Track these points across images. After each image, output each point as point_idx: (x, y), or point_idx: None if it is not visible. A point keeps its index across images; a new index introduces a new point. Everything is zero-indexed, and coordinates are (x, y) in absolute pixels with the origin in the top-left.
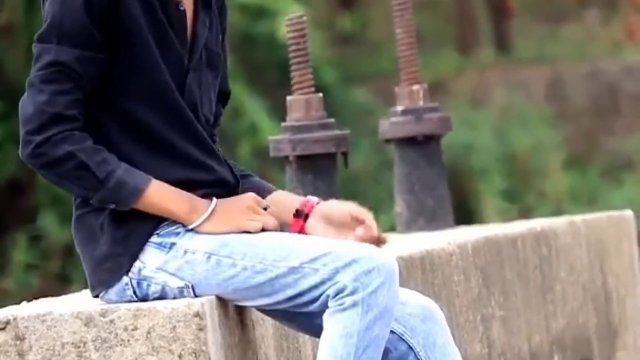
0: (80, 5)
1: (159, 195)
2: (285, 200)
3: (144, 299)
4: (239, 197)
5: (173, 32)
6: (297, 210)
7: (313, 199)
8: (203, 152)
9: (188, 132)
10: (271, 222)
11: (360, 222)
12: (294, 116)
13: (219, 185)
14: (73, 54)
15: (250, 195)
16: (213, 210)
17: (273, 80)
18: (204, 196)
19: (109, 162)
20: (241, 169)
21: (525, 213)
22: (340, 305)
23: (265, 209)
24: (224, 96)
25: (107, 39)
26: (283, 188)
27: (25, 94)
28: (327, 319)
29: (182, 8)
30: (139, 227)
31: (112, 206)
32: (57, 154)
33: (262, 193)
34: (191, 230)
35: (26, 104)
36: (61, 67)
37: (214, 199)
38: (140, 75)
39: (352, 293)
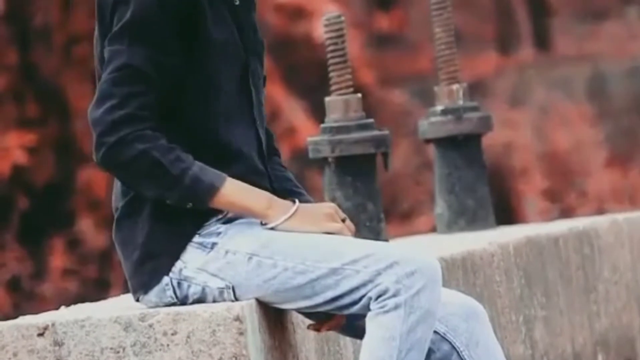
0: (154, 6)
1: (235, 192)
2: None
3: (184, 299)
4: (320, 204)
5: (236, 28)
6: None
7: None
8: (261, 158)
9: (250, 137)
10: (348, 232)
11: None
12: (332, 117)
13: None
14: (144, 55)
15: (331, 204)
16: (295, 211)
17: (311, 81)
18: None
19: (182, 159)
20: (295, 184)
21: (567, 212)
22: (382, 307)
23: (343, 220)
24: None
25: (182, 43)
26: (322, 190)
27: (95, 97)
28: (369, 322)
29: (236, 3)
30: (181, 226)
31: (189, 205)
32: (130, 153)
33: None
34: (267, 227)
35: (97, 107)
36: (132, 69)
37: (296, 201)
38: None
39: (395, 295)
